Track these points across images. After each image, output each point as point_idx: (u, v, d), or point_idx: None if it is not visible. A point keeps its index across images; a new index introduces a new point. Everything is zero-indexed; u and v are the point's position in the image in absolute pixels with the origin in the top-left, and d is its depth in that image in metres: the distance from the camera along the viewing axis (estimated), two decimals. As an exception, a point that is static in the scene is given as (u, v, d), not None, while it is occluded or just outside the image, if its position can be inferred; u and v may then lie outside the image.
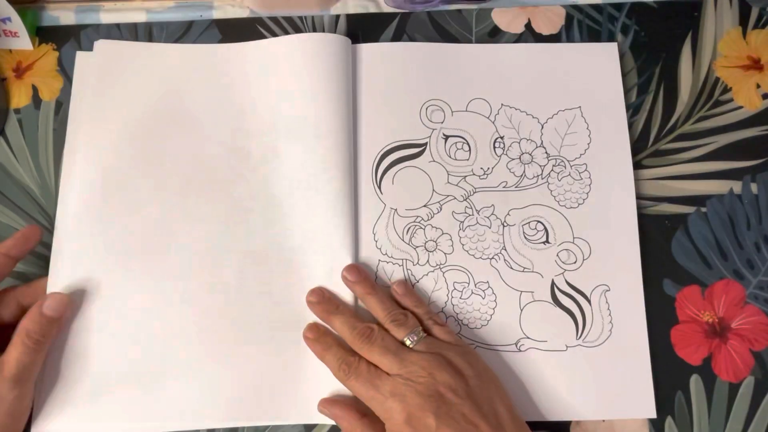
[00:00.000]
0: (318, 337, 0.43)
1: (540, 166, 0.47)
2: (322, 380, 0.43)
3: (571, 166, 0.47)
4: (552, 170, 0.47)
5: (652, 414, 0.43)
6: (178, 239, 0.45)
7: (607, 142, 0.48)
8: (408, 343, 0.41)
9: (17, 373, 0.39)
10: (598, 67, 0.49)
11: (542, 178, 0.47)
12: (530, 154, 0.48)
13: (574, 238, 0.46)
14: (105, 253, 0.44)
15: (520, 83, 0.49)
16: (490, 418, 0.38)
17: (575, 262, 0.46)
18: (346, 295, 0.44)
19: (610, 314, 0.45)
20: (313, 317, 0.44)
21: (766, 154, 0.48)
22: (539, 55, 0.49)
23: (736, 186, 0.48)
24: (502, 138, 0.48)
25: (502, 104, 0.48)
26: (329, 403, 0.42)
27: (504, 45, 0.50)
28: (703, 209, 0.48)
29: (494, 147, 0.48)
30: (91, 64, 0.48)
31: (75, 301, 0.43)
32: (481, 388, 0.39)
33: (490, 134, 0.48)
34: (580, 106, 0.48)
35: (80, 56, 0.49)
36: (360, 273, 0.44)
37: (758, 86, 0.49)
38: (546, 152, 0.48)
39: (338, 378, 0.41)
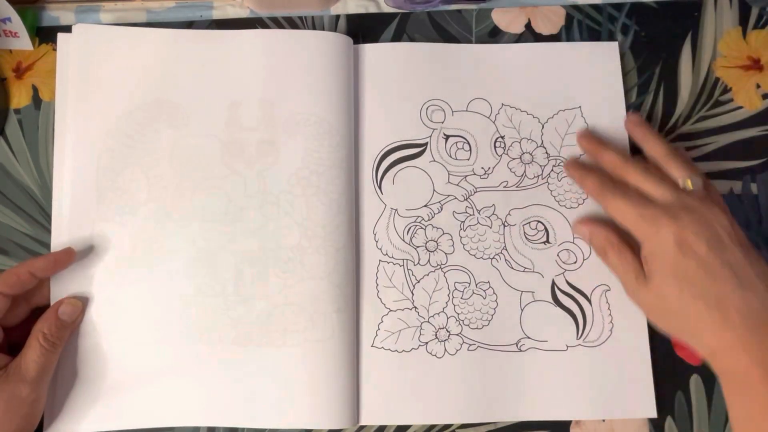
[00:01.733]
0: (576, 165, 0.45)
1: (540, 166, 0.47)
2: (322, 382, 0.43)
3: None
4: (552, 170, 0.47)
5: (653, 414, 0.43)
6: (173, 239, 0.44)
7: (607, 141, 0.47)
8: (689, 184, 0.41)
9: (36, 375, 0.39)
10: (599, 67, 0.49)
11: (542, 178, 0.47)
12: (531, 154, 0.47)
13: (574, 238, 0.46)
14: (102, 254, 0.44)
15: (521, 83, 0.48)
16: (759, 272, 0.37)
17: (575, 262, 0.46)
18: (347, 291, 0.44)
19: (610, 314, 0.45)
20: (308, 318, 0.44)
21: (766, 154, 0.48)
22: (540, 55, 0.49)
23: (736, 186, 0.48)
24: (502, 138, 0.48)
25: (502, 104, 0.48)
26: (582, 221, 0.44)
27: (504, 45, 0.49)
28: (703, 209, 0.48)
29: (495, 147, 0.47)
30: (72, 50, 0.46)
31: (84, 304, 0.44)
32: (749, 247, 0.39)
33: (490, 134, 0.48)
34: (580, 106, 0.48)
35: (62, 39, 0.47)
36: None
37: (758, 86, 0.49)
38: (546, 152, 0.48)
39: (600, 196, 0.42)
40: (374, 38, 0.50)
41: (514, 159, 0.47)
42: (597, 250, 0.44)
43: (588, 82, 0.49)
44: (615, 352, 0.44)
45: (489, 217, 0.46)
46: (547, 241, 0.46)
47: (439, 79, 0.48)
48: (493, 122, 0.48)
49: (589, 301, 0.45)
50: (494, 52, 0.49)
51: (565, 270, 0.46)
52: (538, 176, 0.47)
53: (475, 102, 0.48)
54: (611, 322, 0.45)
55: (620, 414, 0.44)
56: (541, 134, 0.48)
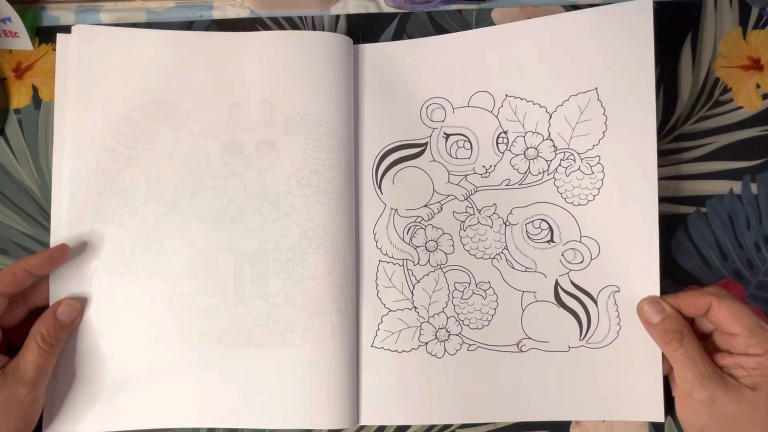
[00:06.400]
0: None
1: (546, 161, 0.45)
2: (322, 382, 0.43)
3: (581, 160, 0.45)
4: (559, 165, 0.45)
5: (660, 418, 0.43)
6: (172, 239, 0.44)
7: (628, 126, 0.44)
8: None
9: (34, 376, 0.39)
10: (623, 34, 0.44)
11: (548, 174, 0.45)
12: (536, 149, 0.46)
13: (581, 236, 0.45)
14: (101, 254, 0.44)
15: (528, 68, 0.46)
16: None
17: (581, 262, 0.45)
18: (347, 291, 0.44)
19: (618, 316, 0.44)
20: (308, 318, 0.44)
21: (766, 154, 0.48)
22: (550, 30, 0.45)
23: (736, 186, 0.48)
24: (505, 133, 0.46)
25: (506, 95, 0.46)
26: (651, 301, 0.42)
27: (510, 25, 0.47)
28: (703, 209, 0.48)
29: (497, 143, 0.46)
30: (71, 51, 0.46)
31: (82, 305, 0.44)
32: None
33: (492, 129, 0.46)
34: (596, 88, 0.45)
35: (61, 39, 0.47)
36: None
37: (758, 86, 0.49)
38: (554, 145, 0.45)
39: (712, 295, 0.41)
40: (374, 38, 0.50)
41: (517, 155, 0.46)
42: (669, 334, 0.41)
43: (606, 57, 0.44)
44: (621, 354, 0.44)
45: (489, 217, 0.46)
46: (552, 240, 0.45)
47: (440, 75, 0.47)
48: (496, 116, 0.46)
49: (595, 302, 0.44)
50: (500, 34, 0.46)
51: (570, 270, 0.45)
52: (544, 172, 0.45)
53: (478, 96, 0.46)
54: (618, 324, 0.44)
55: (624, 416, 0.44)
56: (548, 125, 0.45)
